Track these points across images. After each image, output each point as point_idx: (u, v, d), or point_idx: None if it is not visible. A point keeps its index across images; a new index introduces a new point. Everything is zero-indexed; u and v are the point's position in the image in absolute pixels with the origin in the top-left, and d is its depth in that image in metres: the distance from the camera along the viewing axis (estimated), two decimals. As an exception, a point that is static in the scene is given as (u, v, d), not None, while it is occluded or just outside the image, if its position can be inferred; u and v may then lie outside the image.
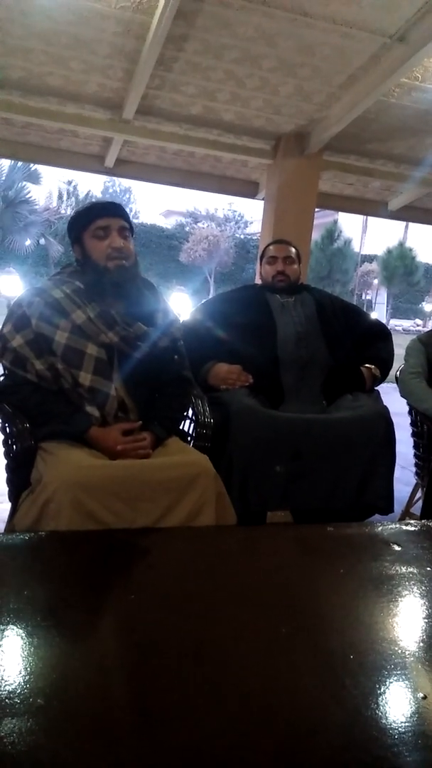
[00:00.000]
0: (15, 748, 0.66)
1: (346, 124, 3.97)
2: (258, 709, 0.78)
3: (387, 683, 0.84)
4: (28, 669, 0.81)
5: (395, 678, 0.85)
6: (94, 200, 1.88)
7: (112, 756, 0.68)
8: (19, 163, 16.30)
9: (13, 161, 15.84)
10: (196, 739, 0.71)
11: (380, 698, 0.80)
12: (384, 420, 2.05)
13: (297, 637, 0.96)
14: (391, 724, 0.75)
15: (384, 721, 0.76)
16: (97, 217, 1.70)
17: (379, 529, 1.48)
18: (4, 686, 0.76)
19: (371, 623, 1.02)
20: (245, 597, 1.10)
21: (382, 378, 2.35)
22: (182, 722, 0.74)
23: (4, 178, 16.93)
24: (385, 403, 2.20)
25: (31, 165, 16.25)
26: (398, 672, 0.86)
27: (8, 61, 3.54)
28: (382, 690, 0.82)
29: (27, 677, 0.79)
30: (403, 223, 23.77)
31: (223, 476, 1.68)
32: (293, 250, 2.51)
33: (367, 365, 2.31)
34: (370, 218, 21.52)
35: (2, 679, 0.78)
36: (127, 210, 1.85)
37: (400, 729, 0.74)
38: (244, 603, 1.08)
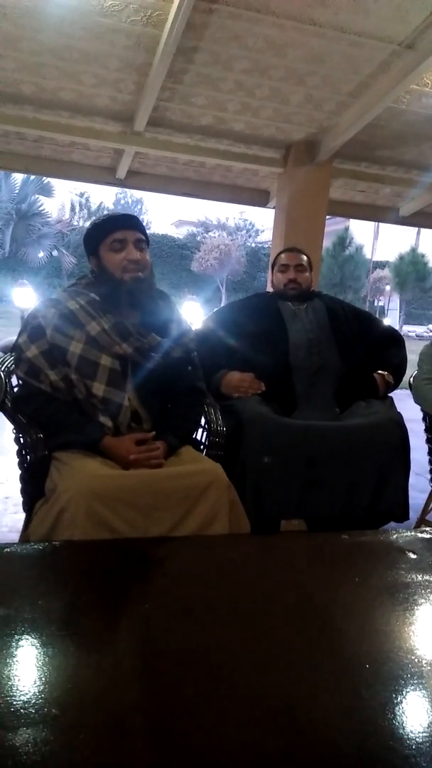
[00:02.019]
0: (30, 758, 0.66)
1: (356, 132, 3.98)
2: (273, 719, 0.78)
3: (404, 692, 0.83)
4: (43, 678, 0.81)
5: (412, 687, 0.84)
6: (110, 212, 1.88)
7: (128, 765, 0.68)
8: (32, 177, 16.51)
9: (26, 175, 16.04)
10: (211, 749, 0.71)
11: (397, 708, 0.79)
12: (398, 427, 2.04)
13: (312, 646, 0.95)
14: (408, 734, 0.74)
15: (401, 731, 0.75)
16: (114, 230, 1.72)
17: (395, 536, 1.46)
18: (20, 696, 0.76)
19: (387, 632, 1.01)
20: (260, 606, 1.09)
21: (396, 384, 2.34)
22: (197, 732, 0.74)
23: (17, 192, 17.15)
24: (398, 410, 2.19)
25: (44, 178, 16.45)
26: (415, 681, 0.85)
27: (20, 76, 3.60)
28: (398, 699, 0.81)
29: (42, 687, 0.79)
30: (415, 229, 23.71)
31: (237, 484, 1.67)
32: (305, 257, 2.51)
33: (380, 372, 2.30)
34: (381, 224, 21.48)
35: (17, 688, 0.78)
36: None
37: (417, 739, 0.73)
38: (259, 612, 1.07)
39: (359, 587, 1.18)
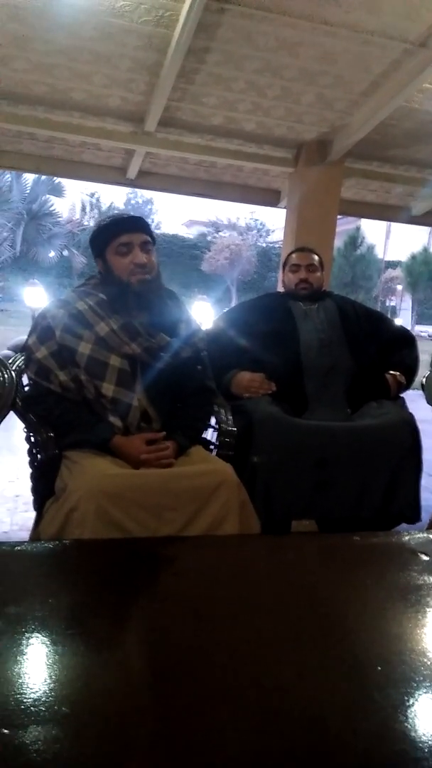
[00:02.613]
0: (41, 756, 0.66)
1: (368, 131, 3.97)
2: (282, 720, 0.77)
3: (416, 695, 0.82)
4: (53, 677, 0.81)
5: (424, 690, 0.83)
6: (115, 215, 1.88)
7: (137, 764, 0.68)
8: (43, 177, 16.58)
9: (37, 175, 16.12)
10: (220, 749, 0.71)
11: (409, 710, 0.79)
12: (410, 427, 2.03)
13: (323, 647, 0.94)
14: (420, 737, 0.74)
15: (413, 733, 0.74)
16: (119, 234, 1.71)
17: (406, 538, 1.45)
18: (30, 694, 0.76)
19: (399, 634, 1.00)
20: (270, 606, 1.09)
21: (408, 385, 2.32)
22: (206, 732, 0.73)
23: (28, 192, 17.24)
24: (410, 411, 2.17)
25: (55, 178, 16.52)
26: (427, 684, 0.84)
27: (32, 77, 3.62)
28: (410, 702, 0.80)
29: (52, 685, 0.79)
30: (428, 228, 23.57)
31: (247, 485, 1.67)
32: (316, 257, 2.50)
33: (391, 372, 2.29)
34: (393, 224, 21.37)
35: (28, 686, 0.78)
36: (150, 221, 1.86)
37: (430, 742, 0.72)
38: (269, 612, 1.07)
39: (371, 589, 1.17)
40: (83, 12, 3.05)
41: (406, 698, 0.81)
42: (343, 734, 0.75)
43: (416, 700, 0.81)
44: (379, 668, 0.88)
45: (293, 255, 2.54)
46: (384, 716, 0.77)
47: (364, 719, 0.77)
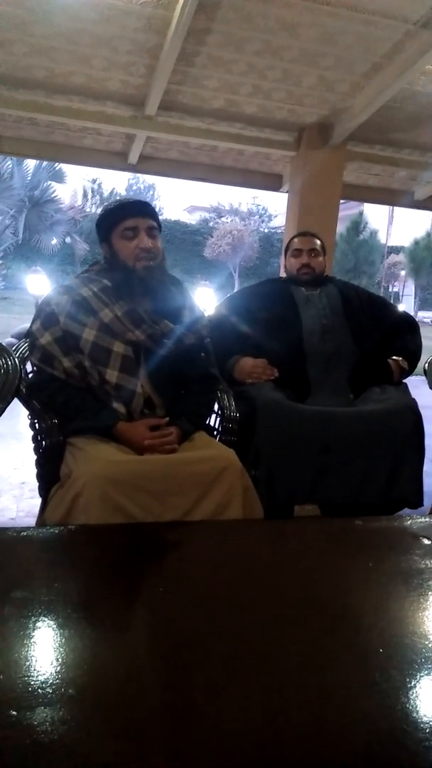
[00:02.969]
0: (48, 737, 0.68)
1: (370, 114, 3.93)
2: (286, 703, 0.78)
3: (418, 677, 0.83)
4: (60, 660, 0.83)
5: (426, 671, 0.84)
6: (122, 199, 1.87)
7: (142, 746, 0.69)
8: (44, 164, 16.48)
9: (38, 161, 16.01)
10: (225, 732, 0.72)
11: (411, 692, 0.80)
12: (412, 413, 2.03)
13: (326, 630, 0.95)
14: (422, 718, 0.75)
15: (415, 714, 0.76)
16: (126, 218, 1.70)
17: (409, 522, 1.46)
18: (37, 676, 0.78)
19: (401, 617, 1.01)
20: (274, 590, 1.10)
21: (410, 370, 2.32)
22: (211, 714, 0.75)
23: (29, 179, 17.12)
24: (413, 396, 2.17)
25: (56, 164, 16.40)
26: (429, 665, 0.85)
27: (32, 60, 3.58)
28: (412, 684, 0.81)
29: (59, 668, 0.80)
30: (431, 213, 23.35)
31: (251, 469, 1.67)
32: (318, 242, 2.49)
33: (394, 357, 2.29)
34: (396, 209, 21.20)
35: (35, 669, 0.80)
36: (151, 206, 1.84)
37: (431, 722, 0.73)
38: (273, 596, 1.08)
39: (373, 573, 1.18)
40: (82, -6, 3.01)
41: (408, 680, 0.82)
42: (346, 715, 0.76)
43: (418, 681, 0.82)
44: (381, 650, 0.89)
45: (295, 240, 2.52)
46: (386, 697, 0.78)
47: (365, 700, 0.78)
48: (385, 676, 0.82)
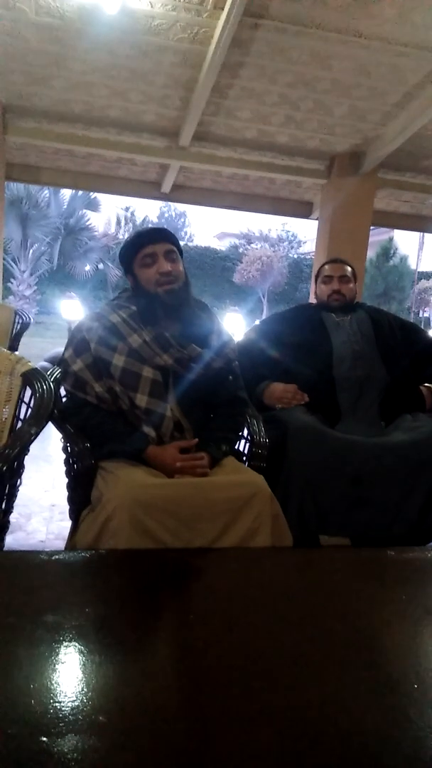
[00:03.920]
0: (78, 764, 0.67)
1: (401, 142, 3.95)
2: (317, 737, 0.77)
3: (454, 716, 0.80)
4: (90, 686, 0.82)
5: (463, 711, 0.81)
6: (138, 229, 1.92)
7: (173, 777, 0.68)
8: (80, 193, 16.91)
9: (74, 190, 16.44)
10: (253, 761, 0.70)
11: (447, 731, 0.77)
12: (446, 441, 1.99)
13: (357, 664, 0.93)
14: (459, 760, 0.72)
15: (452, 755, 0.73)
16: (143, 246, 1.75)
17: (443, 554, 1.43)
18: (67, 702, 0.78)
19: (436, 652, 0.99)
20: (303, 620, 1.08)
21: (443, 398, 2.28)
22: (239, 743, 0.73)
23: (65, 207, 17.57)
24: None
25: (91, 193, 16.82)
26: (466, 705, 0.82)
27: (71, 95, 3.72)
28: (449, 723, 0.79)
29: (89, 694, 0.80)
30: (463, 239, 23.16)
31: (280, 496, 1.66)
32: (349, 268, 2.49)
33: (426, 384, 2.26)
34: (427, 234, 21.09)
35: (65, 695, 0.79)
36: (183, 233, 1.89)
37: (469, 765, 0.71)
38: (302, 627, 1.06)
39: (406, 605, 1.15)
40: (120, 31, 3.12)
41: (444, 718, 0.79)
42: (379, 752, 0.74)
43: (455, 720, 0.79)
44: (416, 686, 0.86)
45: (326, 266, 2.53)
46: (420, 734, 0.76)
47: (400, 737, 0.76)
48: (420, 712, 0.80)
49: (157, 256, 1.74)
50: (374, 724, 0.79)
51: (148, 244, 1.75)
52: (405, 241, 23.64)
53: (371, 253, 20.47)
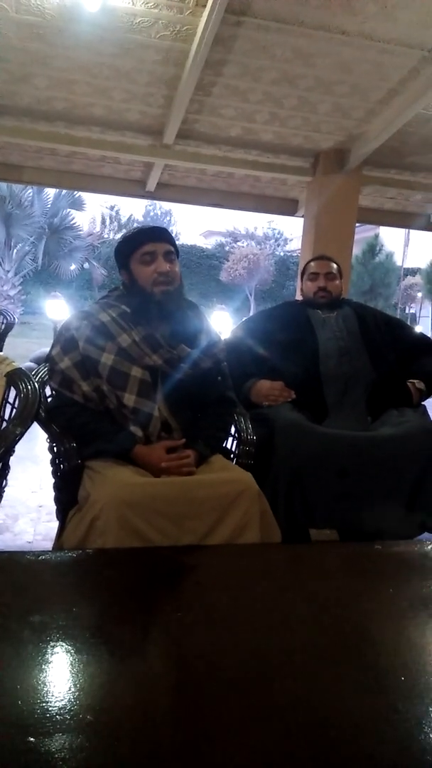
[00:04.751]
0: (66, 764, 0.67)
1: (385, 139, 3.97)
2: (306, 731, 0.77)
3: (441, 707, 0.81)
4: (78, 685, 0.82)
5: (450, 702, 0.82)
6: (140, 226, 1.91)
7: (161, 774, 0.68)
8: (64, 192, 16.81)
9: (57, 189, 16.33)
10: (243, 760, 0.71)
11: (434, 722, 0.78)
12: (431, 436, 2.01)
13: (346, 657, 0.94)
14: (446, 750, 0.73)
15: (439, 746, 0.74)
16: (144, 243, 1.73)
17: (429, 547, 1.44)
18: (55, 702, 0.77)
19: (423, 644, 0.99)
20: (292, 615, 1.09)
21: (428, 393, 2.30)
22: (229, 741, 0.73)
23: (49, 206, 17.45)
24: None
25: (75, 192, 16.73)
26: (453, 695, 0.83)
27: (53, 93, 3.69)
28: (436, 714, 0.79)
29: (76, 693, 0.80)
30: (447, 236, 23.30)
31: (269, 492, 1.66)
32: (334, 265, 2.50)
33: (412, 380, 2.27)
34: (412, 231, 21.21)
35: (52, 694, 0.79)
36: (168, 232, 1.87)
37: (456, 755, 0.71)
38: (291, 622, 1.06)
39: (393, 598, 1.16)
40: (102, 29, 3.10)
41: (431, 709, 0.80)
42: (367, 744, 0.74)
43: (442, 711, 0.80)
44: (403, 678, 0.87)
45: (312, 263, 2.54)
46: (409, 727, 0.76)
47: (388, 729, 0.76)
48: (408, 705, 0.80)
49: (156, 255, 1.73)
50: (364, 717, 0.80)
51: (149, 242, 1.73)
52: (391, 237, 23.75)
53: (357, 250, 20.55)
